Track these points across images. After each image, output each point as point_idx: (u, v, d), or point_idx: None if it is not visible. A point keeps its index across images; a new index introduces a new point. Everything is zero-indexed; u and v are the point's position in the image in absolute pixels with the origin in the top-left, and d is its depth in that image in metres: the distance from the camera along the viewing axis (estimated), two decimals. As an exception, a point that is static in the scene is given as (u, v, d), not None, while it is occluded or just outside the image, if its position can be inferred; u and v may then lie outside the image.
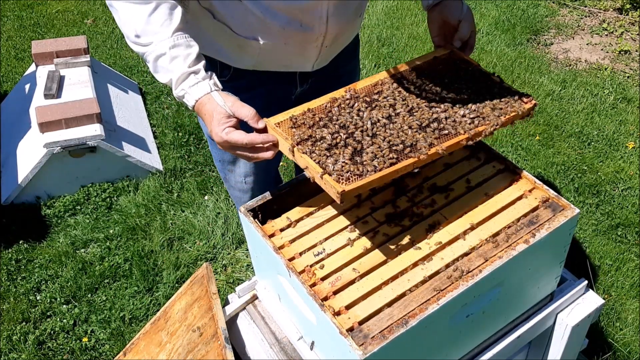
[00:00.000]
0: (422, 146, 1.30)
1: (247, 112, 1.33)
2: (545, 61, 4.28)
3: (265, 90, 1.68)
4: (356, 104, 1.41)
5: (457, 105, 1.41)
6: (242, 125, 1.36)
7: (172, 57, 1.35)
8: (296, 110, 1.39)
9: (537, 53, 4.38)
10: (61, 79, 3.51)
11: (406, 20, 4.78)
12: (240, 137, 1.31)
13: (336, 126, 1.34)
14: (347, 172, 1.23)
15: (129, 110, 3.72)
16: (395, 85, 1.45)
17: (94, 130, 3.13)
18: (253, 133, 1.33)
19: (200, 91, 1.36)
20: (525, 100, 1.45)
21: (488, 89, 1.47)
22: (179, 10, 1.37)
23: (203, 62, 1.38)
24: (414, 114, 1.39)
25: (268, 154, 1.34)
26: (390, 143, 1.30)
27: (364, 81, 1.47)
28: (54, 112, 3.14)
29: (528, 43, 4.49)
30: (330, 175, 1.23)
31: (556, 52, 4.41)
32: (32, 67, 3.78)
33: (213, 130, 1.34)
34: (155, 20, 1.35)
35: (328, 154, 1.27)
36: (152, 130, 3.73)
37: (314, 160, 1.26)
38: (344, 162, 1.25)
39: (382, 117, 1.36)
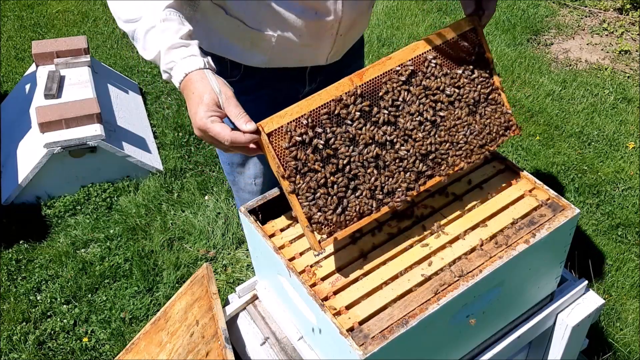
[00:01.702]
0: (399, 194, 1.35)
1: (237, 111, 1.23)
2: (546, 61, 4.28)
3: (273, 90, 1.68)
4: (356, 114, 1.31)
5: (450, 134, 1.40)
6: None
7: (163, 30, 1.26)
8: (292, 113, 1.26)
9: (538, 53, 4.38)
10: (61, 79, 3.51)
11: (406, 20, 4.78)
12: (224, 132, 1.20)
13: (330, 155, 1.28)
14: (330, 225, 1.28)
15: (129, 110, 3.72)
16: (401, 83, 1.37)
17: (94, 130, 3.14)
18: (237, 131, 1.22)
19: (192, 64, 1.25)
20: (508, 131, 1.48)
21: (483, 104, 1.46)
22: None
23: (197, 42, 1.30)
24: (405, 144, 1.36)
25: (248, 153, 1.26)
26: (374, 186, 1.32)
27: (374, 68, 1.34)
28: (54, 112, 3.14)
29: (528, 43, 4.49)
30: (312, 232, 1.27)
31: (556, 52, 4.41)
32: (33, 67, 3.78)
33: (197, 114, 1.21)
34: None
35: (314, 196, 1.27)
36: (152, 130, 3.73)
37: (300, 202, 1.26)
38: (329, 215, 1.28)
39: (375, 150, 1.32)
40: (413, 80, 1.35)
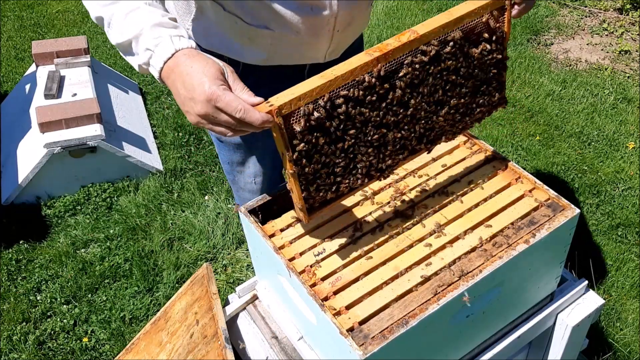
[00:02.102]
0: (389, 171, 1.36)
1: (242, 85, 1.10)
2: (546, 61, 4.28)
3: (271, 89, 1.67)
4: (374, 97, 1.25)
5: (450, 112, 1.40)
6: None
7: (148, 12, 1.16)
8: (310, 94, 1.13)
9: (538, 53, 4.38)
10: (61, 79, 3.51)
11: (406, 21, 4.78)
12: (236, 101, 1.05)
13: (339, 137, 1.25)
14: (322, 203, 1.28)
15: (129, 111, 3.72)
16: (424, 64, 1.29)
17: (94, 130, 3.14)
18: (249, 106, 1.08)
19: (184, 42, 1.14)
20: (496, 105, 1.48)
21: (484, 85, 1.44)
22: None
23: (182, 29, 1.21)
24: (409, 124, 1.34)
25: (255, 129, 1.10)
26: (371, 165, 1.32)
27: (398, 43, 1.22)
28: (54, 112, 3.14)
29: (528, 43, 4.49)
30: (302, 211, 1.27)
31: (556, 52, 4.41)
32: (33, 67, 3.78)
33: (203, 84, 1.06)
34: None
35: (314, 177, 1.26)
36: (152, 130, 3.73)
37: (301, 184, 1.24)
38: (323, 194, 1.28)
39: (381, 131, 1.30)
40: (435, 60, 1.29)
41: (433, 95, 1.33)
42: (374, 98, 1.23)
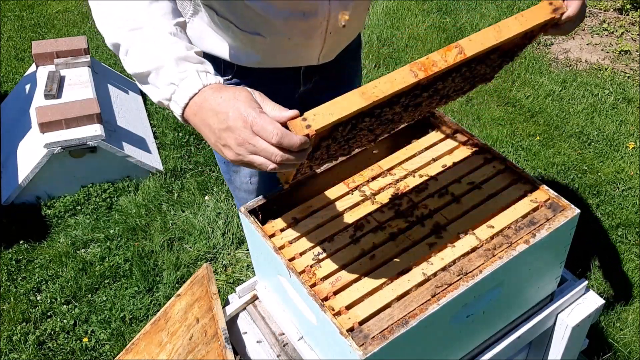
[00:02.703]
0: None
1: (274, 104, 1.03)
2: (546, 61, 4.28)
3: (267, 90, 1.67)
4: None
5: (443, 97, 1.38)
6: None
7: (172, 42, 1.10)
8: (341, 111, 1.01)
9: (537, 53, 4.38)
10: (61, 79, 3.52)
11: (406, 21, 4.78)
12: (272, 125, 0.96)
13: (348, 139, 1.23)
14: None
15: (129, 111, 3.72)
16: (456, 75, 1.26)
17: (94, 130, 3.14)
18: (286, 130, 0.99)
19: (211, 78, 1.08)
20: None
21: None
22: (178, 11, 1.22)
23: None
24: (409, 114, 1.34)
25: (294, 161, 0.99)
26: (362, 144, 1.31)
27: (443, 62, 1.11)
28: (54, 112, 3.14)
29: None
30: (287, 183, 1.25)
31: (556, 52, 4.41)
32: (33, 68, 3.78)
33: (240, 107, 0.99)
34: (156, 10, 1.14)
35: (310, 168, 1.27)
36: (152, 130, 3.73)
37: (295, 176, 1.23)
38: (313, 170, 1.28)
39: (385, 125, 1.30)
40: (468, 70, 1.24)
41: (446, 93, 1.33)
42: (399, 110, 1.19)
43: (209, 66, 1.11)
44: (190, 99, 1.05)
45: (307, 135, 0.98)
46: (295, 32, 1.50)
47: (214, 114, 1.02)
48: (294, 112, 0.99)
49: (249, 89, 1.06)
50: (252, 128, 0.98)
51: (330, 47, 1.63)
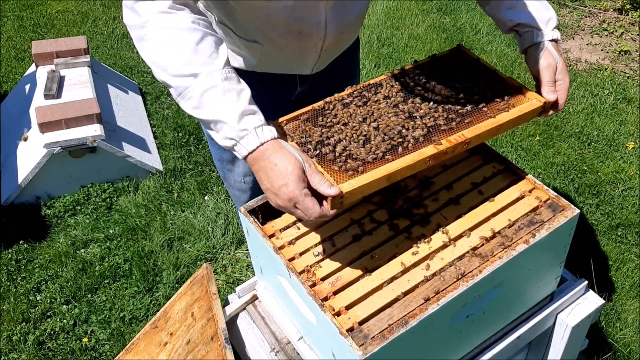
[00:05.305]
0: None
1: (319, 177, 1.18)
2: (545, 61, 4.28)
3: (264, 92, 1.69)
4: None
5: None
6: None
7: (225, 90, 1.19)
8: (373, 187, 1.27)
9: (537, 53, 4.38)
10: (61, 79, 3.51)
11: (406, 21, 4.78)
12: (314, 207, 1.16)
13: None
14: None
15: (129, 111, 3.72)
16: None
17: (94, 130, 3.14)
18: (324, 207, 1.19)
19: (267, 134, 1.19)
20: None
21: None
22: (224, 45, 1.26)
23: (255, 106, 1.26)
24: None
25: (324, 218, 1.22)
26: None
27: (450, 154, 1.38)
28: (54, 112, 3.14)
29: (528, 43, 4.49)
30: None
31: (556, 52, 4.41)
32: (32, 68, 3.78)
33: (287, 186, 1.16)
34: (203, 50, 1.20)
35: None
36: (152, 130, 3.73)
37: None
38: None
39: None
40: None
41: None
42: None
43: (261, 115, 1.22)
44: (249, 154, 1.20)
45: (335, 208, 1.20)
46: (290, 47, 1.54)
47: (266, 175, 1.19)
48: (337, 191, 1.17)
49: (299, 157, 1.18)
50: (295, 204, 1.17)
51: (324, 61, 1.69)
